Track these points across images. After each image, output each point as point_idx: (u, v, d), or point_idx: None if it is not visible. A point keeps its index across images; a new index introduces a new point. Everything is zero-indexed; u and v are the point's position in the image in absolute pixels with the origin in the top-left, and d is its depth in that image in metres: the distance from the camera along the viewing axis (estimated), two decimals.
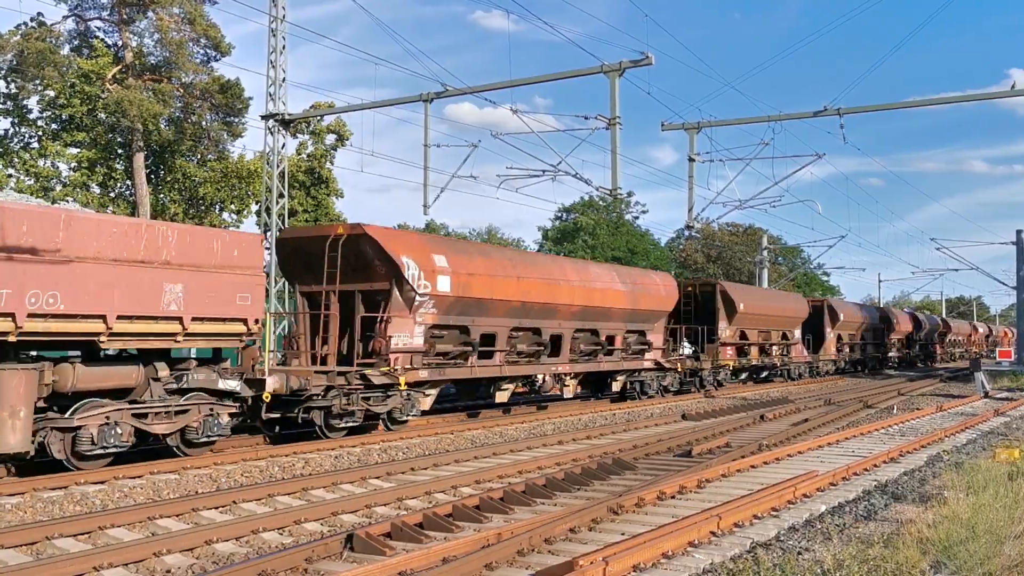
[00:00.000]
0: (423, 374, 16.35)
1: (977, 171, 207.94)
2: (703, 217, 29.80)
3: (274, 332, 19.03)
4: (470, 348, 17.91)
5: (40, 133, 31.83)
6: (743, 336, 30.77)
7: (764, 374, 34.49)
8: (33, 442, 10.72)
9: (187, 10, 30.72)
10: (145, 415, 11.89)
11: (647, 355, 24.77)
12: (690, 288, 29.12)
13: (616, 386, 23.99)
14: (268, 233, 24.05)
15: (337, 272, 15.88)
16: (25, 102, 31.18)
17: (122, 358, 12.16)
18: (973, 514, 8.40)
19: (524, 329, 19.76)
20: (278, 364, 16.33)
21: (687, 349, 27.72)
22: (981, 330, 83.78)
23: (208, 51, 32.54)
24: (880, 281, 76.22)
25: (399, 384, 15.68)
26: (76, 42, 32.15)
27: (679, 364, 26.21)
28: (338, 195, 37.55)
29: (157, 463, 12.05)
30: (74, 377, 10.97)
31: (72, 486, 10.64)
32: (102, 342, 11.22)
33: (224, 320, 12.59)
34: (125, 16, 31.36)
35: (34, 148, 31.66)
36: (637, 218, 61.14)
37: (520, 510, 9.63)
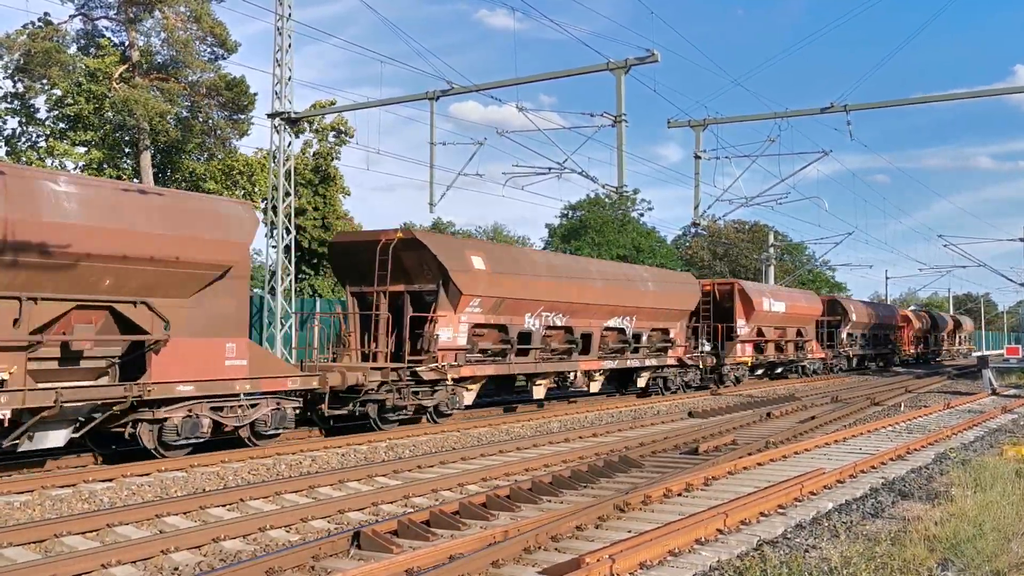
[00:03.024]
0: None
1: (983, 167, 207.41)
2: (709, 214, 29.67)
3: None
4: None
5: (47, 132, 31.93)
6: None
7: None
8: None
9: (193, 8, 30.77)
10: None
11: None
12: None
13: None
14: (275, 231, 24.10)
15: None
16: (32, 101, 31.28)
17: None
18: (980, 511, 8.39)
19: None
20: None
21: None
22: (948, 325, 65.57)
23: (214, 49, 32.59)
24: (887, 278, 76.08)
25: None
26: (83, 41, 32.24)
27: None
28: (345, 193, 37.57)
29: (164, 461, 12.10)
30: None
31: (80, 484, 10.69)
32: None
33: None
34: (131, 15, 31.43)
35: (41, 147, 31.76)
36: (642, 215, 61.01)
37: (527, 508, 9.63)
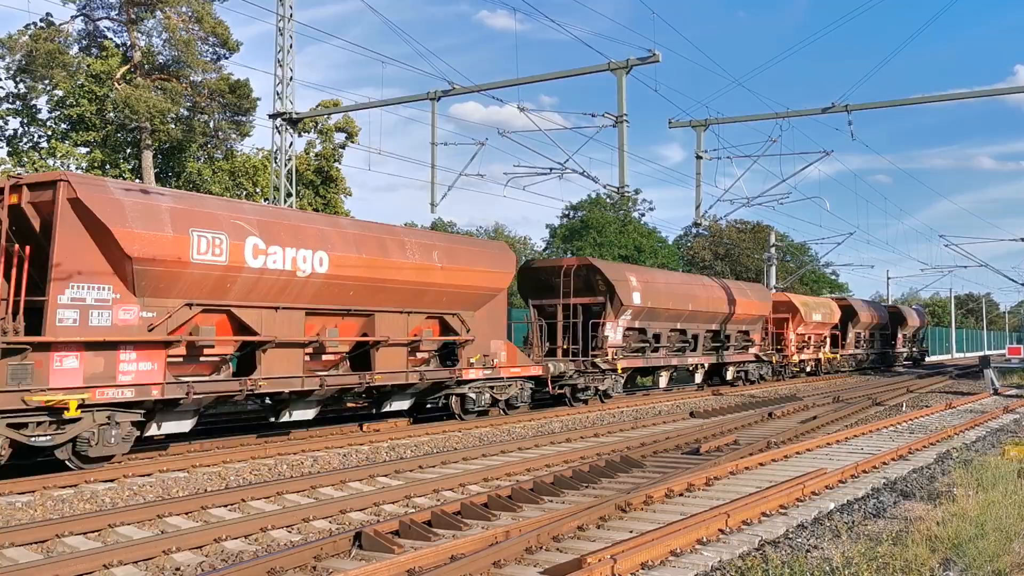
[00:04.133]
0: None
1: (985, 168, 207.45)
2: (711, 214, 29.70)
3: None
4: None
5: (49, 133, 31.95)
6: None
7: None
8: None
9: (194, 8, 30.78)
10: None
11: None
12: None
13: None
14: None
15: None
16: (34, 102, 31.30)
17: None
18: (982, 511, 8.39)
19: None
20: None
21: None
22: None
23: (216, 49, 32.61)
24: (888, 278, 75.98)
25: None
26: (85, 42, 32.26)
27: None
28: (347, 194, 37.61)
29: (166, 461, 12.11)
30: None
31: (82, 484, 10.70)
32: None
33: None
34: (133, 15, 31.44)
35: (44, 148, 31.78)
36: (643, 215, 60.99)
37: (528, 508, 9.63)
